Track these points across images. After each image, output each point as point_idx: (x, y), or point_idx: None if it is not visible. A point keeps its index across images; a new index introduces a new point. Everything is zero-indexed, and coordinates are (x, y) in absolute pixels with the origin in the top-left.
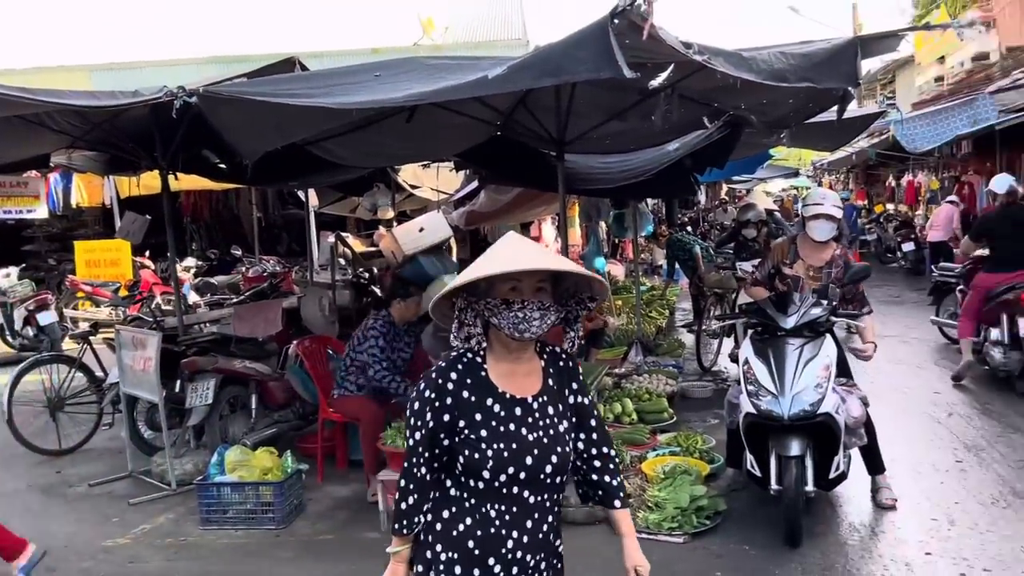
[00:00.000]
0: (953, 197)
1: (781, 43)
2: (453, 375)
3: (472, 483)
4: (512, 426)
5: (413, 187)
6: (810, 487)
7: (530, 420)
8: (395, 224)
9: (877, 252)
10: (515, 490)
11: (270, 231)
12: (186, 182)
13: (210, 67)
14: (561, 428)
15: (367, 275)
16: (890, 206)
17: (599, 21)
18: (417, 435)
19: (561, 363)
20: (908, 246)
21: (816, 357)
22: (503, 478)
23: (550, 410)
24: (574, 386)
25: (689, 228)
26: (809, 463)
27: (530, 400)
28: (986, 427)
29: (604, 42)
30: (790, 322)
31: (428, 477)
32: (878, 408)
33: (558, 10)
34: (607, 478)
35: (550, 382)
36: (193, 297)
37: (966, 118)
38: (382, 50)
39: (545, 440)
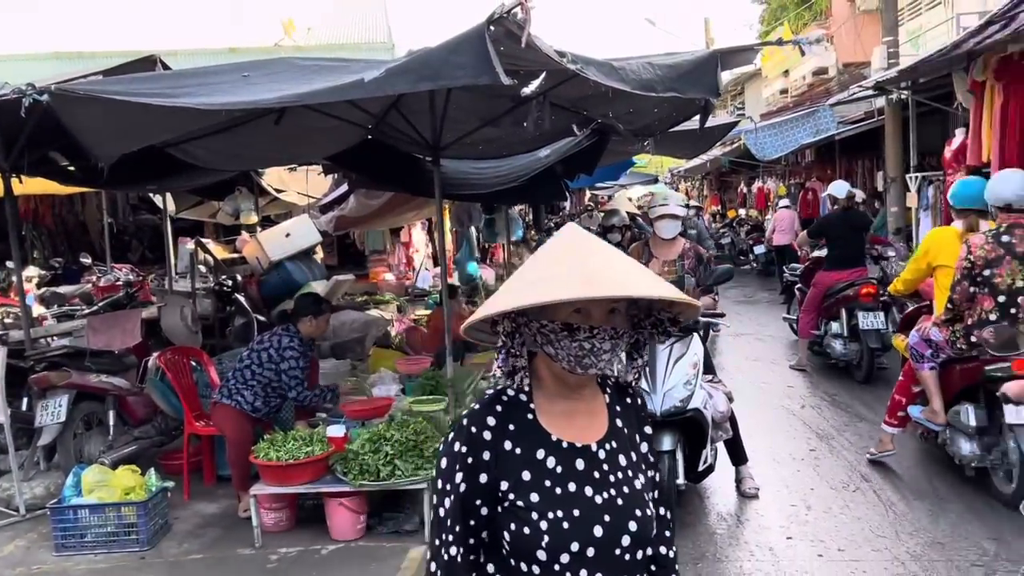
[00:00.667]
0: (786, 202)
1: (647, 54)
2: (491, 420)
3: (524, 567)
4: (573, 486)
5: (278, 191)
6: (681, 480)
7: (597, 476)
8: (259, 229)
9: (731, 255)
10: (582, 574)
11: (120, 238)
12: (31, 186)
13: (49, 64)
14: (638, 484)
15: (230, 283)
16: (742, 211)
17: (476, 28)
18: (446, 502)
19: (629, 399)
20: (759, 249)
21: (685, 355)
22: (565, 558)
23: (621, 460)
24: (647, 430)
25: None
26: (680, 457)
27: (595, 448)
28: (835, 417)
29: (481, 48)
30: None
31: (461, 558)
32: (739, 402)
33: (422, 14)
34: (663, 548)
35: (618, 423)
36: (38, 309)
37: (809, 128)
38: (241, 50)
39: (620, 502)
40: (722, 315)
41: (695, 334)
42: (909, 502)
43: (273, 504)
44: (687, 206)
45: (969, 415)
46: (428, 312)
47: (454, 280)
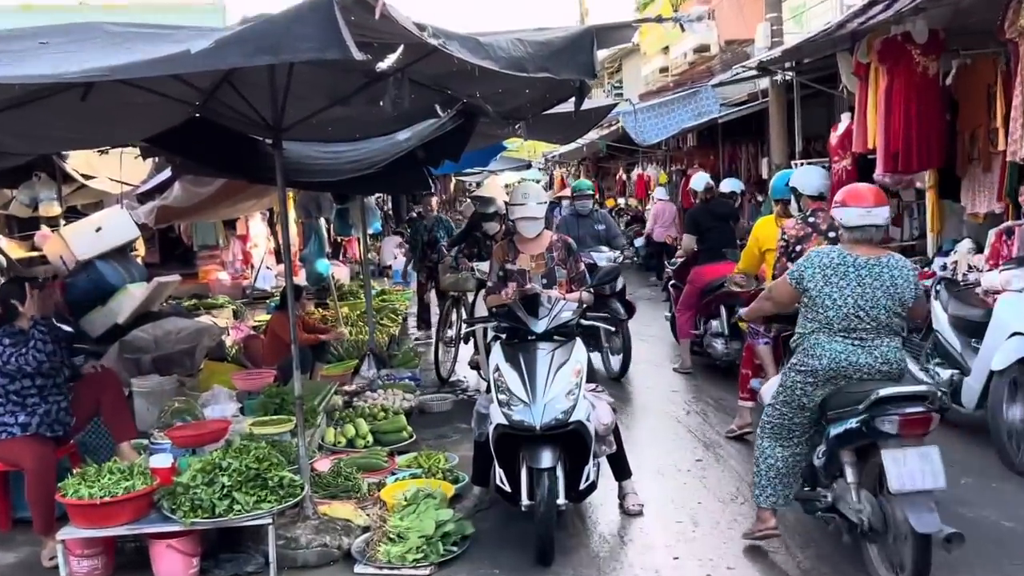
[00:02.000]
0: (663, 193)
1: (517, 29)
2: None
3: None
4: None
5: (87, 177)
6: (562, 500)
7: None
8: (63, 223)
9: None
10: None
11: None
12: None
13: None
14: None
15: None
16: (621, 200)
17: None
18: None
19: None
20: (639, 242)
21: (567, 362)
22: None
23: None
24: None
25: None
26: (561, 475)
27: None
28: (720, 423)
29: (329, 19)
30: (540, 326)
31: None
32: (621, 410)
33: None
34: None
35: None
36: None
37: (690, 110)
38: (36, 7)
39: None
40: (608, 317)
41: (578, 339)
42: (799, 514)
43: (86, 550)
44: (593, 199)
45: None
46: (269, 317)
47: (300, 280)
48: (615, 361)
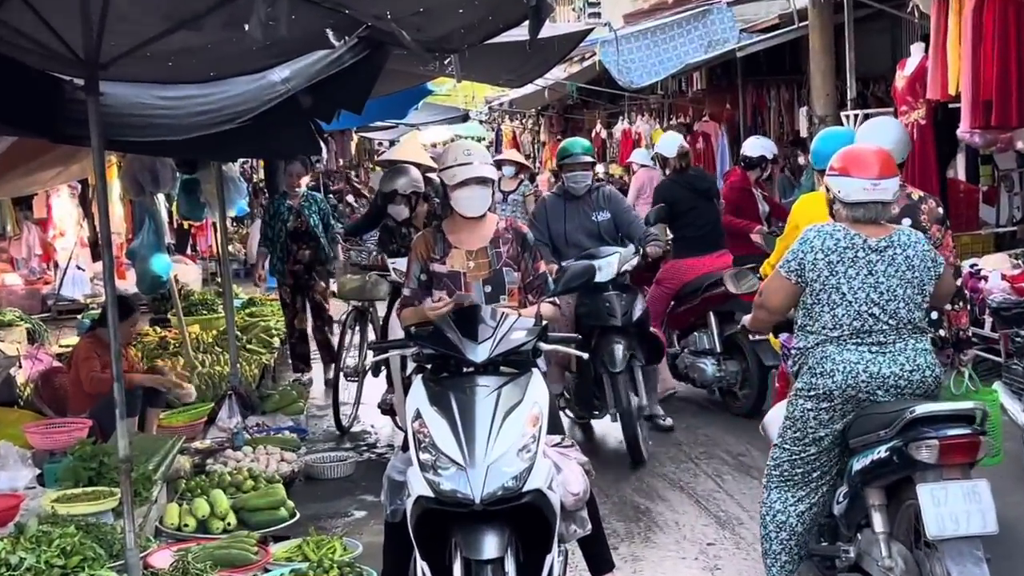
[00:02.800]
0: (644, 159)
1: None
2: None
3: None
4: None
5: None
6: None
7: None
8: None
9: None
10: None
11: None
12: None
13: None
14: None
15: None
16: (600, 168)
17: None
18: None
19: None
20: None
21: (520, 405)
22: None
23: None
24: None
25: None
26: (512, 569)
27: None
28: (740, 489)
29: None
30: (481, 353)
31: None
32: (599, 471)
33: None
34: None
35: None
36: None
37: (698, 39)
38: None
39: None
40: (577, 338)
41: (535, 371)
42: None
43: None
44: (592, 163)
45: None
46: (79, 341)
47: (128, 285)
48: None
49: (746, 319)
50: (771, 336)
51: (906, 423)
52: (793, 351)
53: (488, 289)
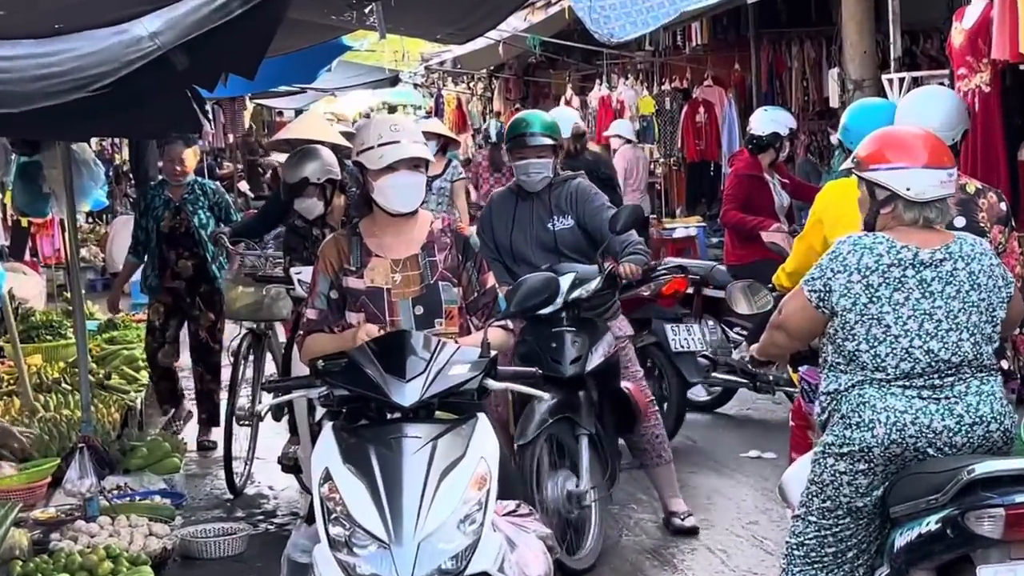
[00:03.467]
0: (625, 131)
1: None
2: None
3: None
4: None
5: None
6: None
7: None
8: None
9: None
10: None
11: None
12: None
13: None
14: None
15: None
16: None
17: None
18: None
19: None
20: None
21: (461, 461)
22: None
23: None
24: None
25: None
26: None
27: None
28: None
29: None
30: (410, 394)
31: None
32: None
33: None
34: None
35: None
36: None
37: None
38: None
39: None
40: (536, 373)
41: (481, 417)
42: None
43: None
44: (554, 145)
45: None
46: None
47: None
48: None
49: (753, 348)
50: (789, 369)
51: (963, 486)
52: (821, 396)
53: (419, 310)
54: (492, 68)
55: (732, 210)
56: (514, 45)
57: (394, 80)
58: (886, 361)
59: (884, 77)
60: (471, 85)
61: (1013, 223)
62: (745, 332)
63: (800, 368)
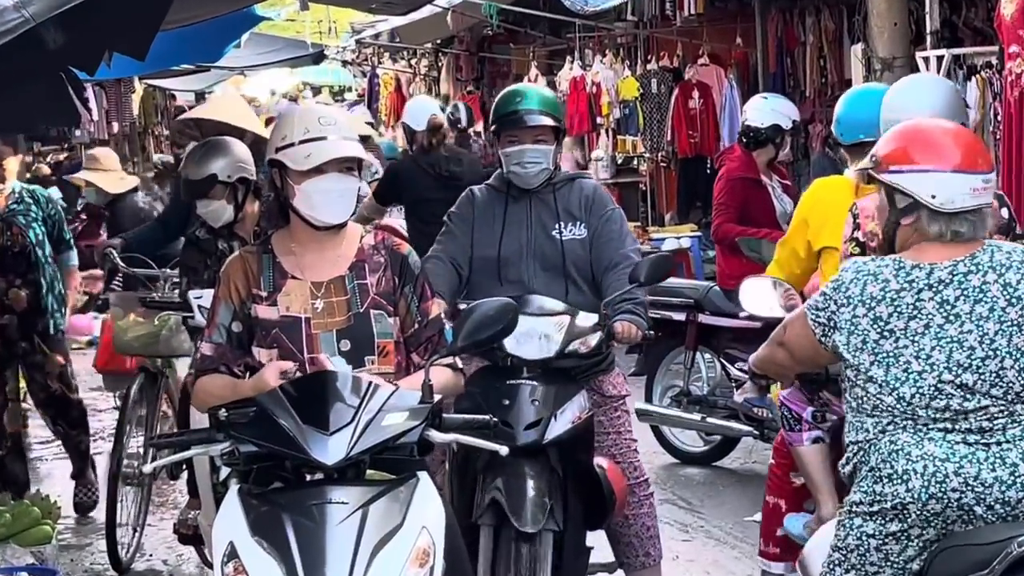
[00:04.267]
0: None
1: None
2: None
3: None
4: None
5: None
6: None
7: None
8: None
9: None
10: None
11: None
12: None
13: None
14: None
15: None
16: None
17: None
18: None
19: None
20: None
21: (398, 533)
22: None
23: None
24: None
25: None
26: None
27: None
28: None
29: None
30: (335, 450)
31: None
32: None
33: None
34: None
35: None
36: None
37: None
38: None
39: None
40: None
41: (422, 476)
42: None
43: None
44: (557, 128)
45: None
46: None
47: None
48: None
49: (753, 356)
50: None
51: (1012, 561)
52: (848, 445)
53: (345, 346)
54: (439, 42)
55: (727, 222)
56: (466, 14)
57: (318, 57)
58: (913, 403)
59: (919, 55)
60: (413, 63)
61: (1017, 230)
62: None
63: (782, 392)
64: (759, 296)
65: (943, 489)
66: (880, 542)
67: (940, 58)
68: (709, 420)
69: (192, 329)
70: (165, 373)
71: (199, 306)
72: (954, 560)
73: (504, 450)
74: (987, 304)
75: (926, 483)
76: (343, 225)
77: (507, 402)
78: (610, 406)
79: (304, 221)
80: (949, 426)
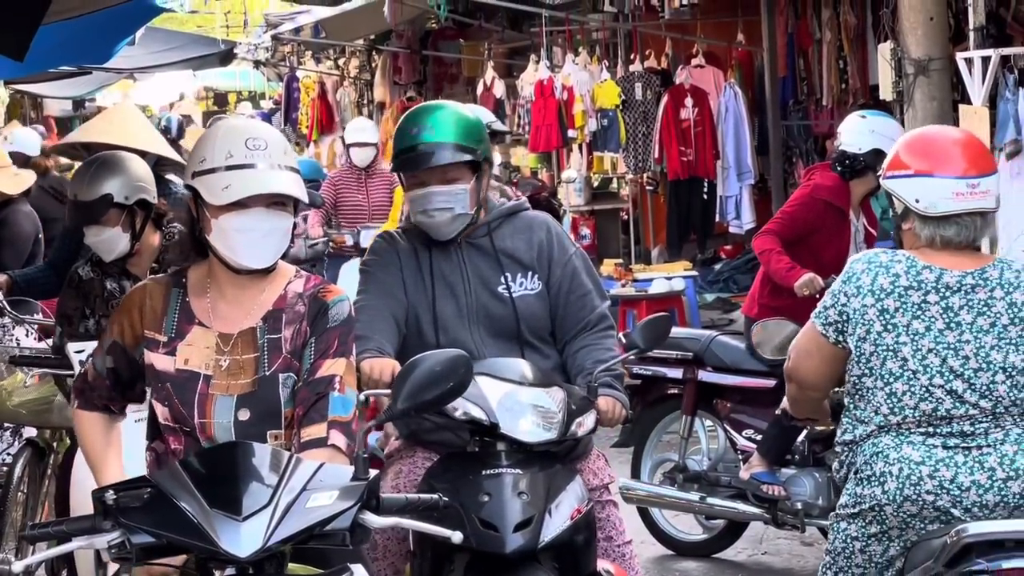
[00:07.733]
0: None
1: None
2: None
3: None
4: None
5: None
6: None
7: None
8: None
9: None
10: None
11: None
12: None
13: None
14: None
15: None
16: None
17: None
18: None
19: None
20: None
21: None
22: None
23: None
24: None
25: None
26: None
27: None
28: None
29: None
30: (247, 541)
31: None
32: None
33: None
34: None
35: None
36: None
37: None
38: None
39: None
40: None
41: (356, 568)
42: None
43: None
44: (474, 161)
45: None
46: None
47: None
48: None
49: (786, 402)
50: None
51: (955, 551)
52: (837, 447)
53: (244, 415)
54: (373, 38)
55: (774, 237)
56: (407, 3)
57: (226, 56)
58: (903, 400)
59: (959, 55)
60: (341, 64)
61: None
62: (759, 437)
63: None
64: (776, 340)
65: (917, 492)
66: (864, 544)
67: (985, 59)
68: (710, 501)
69: (70, 391)
70: (54, 444)
71: (81, 362)
72: (919, 552)
73: (456, 536)
74: (989, 319)
75: (900, 485)
76: (270, 269)
77: (486, 498)
78: (593, 501)
79: (220, 260)
80: (931, 430)
